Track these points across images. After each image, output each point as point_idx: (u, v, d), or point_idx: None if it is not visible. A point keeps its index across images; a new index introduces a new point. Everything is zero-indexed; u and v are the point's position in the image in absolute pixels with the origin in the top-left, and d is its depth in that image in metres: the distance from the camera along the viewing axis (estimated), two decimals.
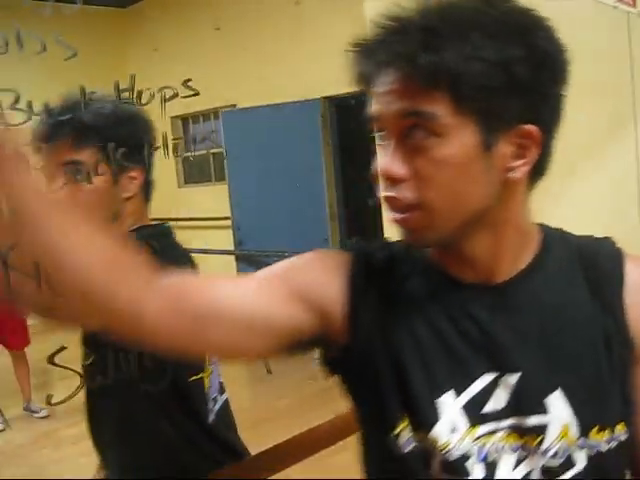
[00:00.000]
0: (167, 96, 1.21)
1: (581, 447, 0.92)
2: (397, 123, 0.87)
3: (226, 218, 7.64)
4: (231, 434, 1.74)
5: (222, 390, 1.72)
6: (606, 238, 1.03)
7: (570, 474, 0.92)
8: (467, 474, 0.90)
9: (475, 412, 0.92)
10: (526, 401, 0.92)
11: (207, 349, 0.97)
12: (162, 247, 1.43)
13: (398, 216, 0.90)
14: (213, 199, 8.29)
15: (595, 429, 0.92)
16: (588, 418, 0.93)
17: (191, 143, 8.93)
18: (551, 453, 0.91)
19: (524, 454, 0.92)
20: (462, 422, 0.91)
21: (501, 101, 0.84)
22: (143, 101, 1.19)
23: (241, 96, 7.52)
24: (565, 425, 0.92)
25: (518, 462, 0.92)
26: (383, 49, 0.86)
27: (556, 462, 0.91)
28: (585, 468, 0.92)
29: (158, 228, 1.63)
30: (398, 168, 0.87)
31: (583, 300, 0.96)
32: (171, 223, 1.69)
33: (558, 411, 0.92)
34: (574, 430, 0.92)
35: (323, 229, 7.06)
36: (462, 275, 0.96)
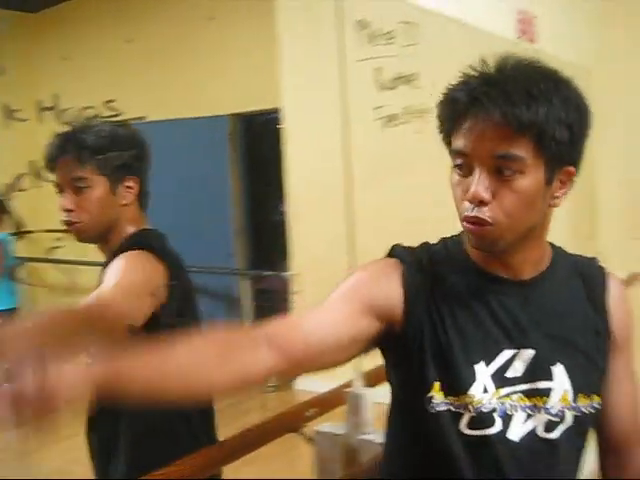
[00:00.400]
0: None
1: (571, 409, 1.25)
2: (489, 160, 1.15)
3: None
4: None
5: None
6: (593, 258, 1.39)
7: (562, 429, 1.25)
8: (493, 424, 1.22)
9: (499, 378, 1.22)
10: (537, 370, 1.24)
11: (315, 370, 1.24)
12: (160, 247, 1.83)
13: (473, 228, 1.18)
14: None
15: (582, 396, 1.26)
16: (579, 387, 1.26)
17: None
18: (552, 412, 1.25)
19: (532, 412, 1.24)
20: (490, 385, 1.21)
21: (562, 150, 1.15)
22: (66, 119, 1.22)
23: (151, 109, 7.45)
24: (565, 390, 1.25)
25: (527, 417, 1.24)
26: (490, 102, 1.12)
27: (554, 419, 1.25)
28: (571, 425, 1.26)
29: (154, 232, 1.92)
30: (486, 194, 1.15)
31: (581, 302, 1.32)
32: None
33: (560, 380, 1.25)
34: (570, 395, 1.25)
35: (228, 245, 7.07)
36: (495, 271, 1.26)
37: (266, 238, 7.45)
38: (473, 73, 1.17)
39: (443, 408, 1.21)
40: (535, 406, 1.24)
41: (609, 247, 4.48)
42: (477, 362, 1.21)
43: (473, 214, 1.16)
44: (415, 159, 2.62)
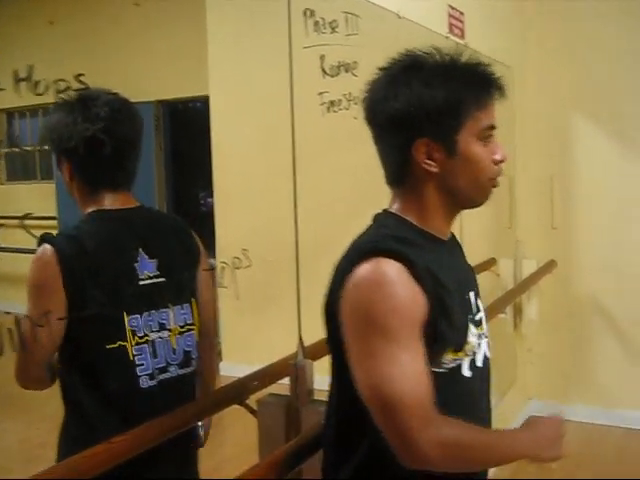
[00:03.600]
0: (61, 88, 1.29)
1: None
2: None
3: (52, 218, 7.41)
4: None
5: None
6: None
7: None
8: (476, 360, 1.45)
9: (472, 320, 1.46)
10: (476, 307, 1.52)
11: None
12: (67, 234, 1.81)
13: (497, 182, 1.44)
14: (39, 197, 8.01)
15: None
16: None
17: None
18: (487, 334, 1.53)
19: (481, 339, 1.49)
20: (472, 328, 1.45)
21: None
22: (39, 91, 1.26)
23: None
24: (485, 316, 1.56)
25: (479, 344, 1.48)
26: (501, 85, 1.42)
27: (489, 340, 1.55)
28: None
29: (89, 215, 1.91)
30: None
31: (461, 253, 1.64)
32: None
33: (482, 309, 1.55)
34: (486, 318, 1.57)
35: None
36: (438, 234, 1.46)
37: (190, 225, 7.42)
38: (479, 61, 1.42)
39: (453, 364, 1.39)
40: (482, 334, 1.50)
41: (528, 236, 4.69)
42: (466, 313, 1.45)
43: (500, 172, 1.44)
44: (352, 143, 2.71)
